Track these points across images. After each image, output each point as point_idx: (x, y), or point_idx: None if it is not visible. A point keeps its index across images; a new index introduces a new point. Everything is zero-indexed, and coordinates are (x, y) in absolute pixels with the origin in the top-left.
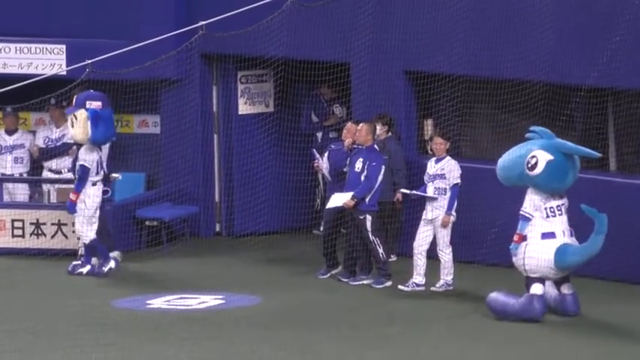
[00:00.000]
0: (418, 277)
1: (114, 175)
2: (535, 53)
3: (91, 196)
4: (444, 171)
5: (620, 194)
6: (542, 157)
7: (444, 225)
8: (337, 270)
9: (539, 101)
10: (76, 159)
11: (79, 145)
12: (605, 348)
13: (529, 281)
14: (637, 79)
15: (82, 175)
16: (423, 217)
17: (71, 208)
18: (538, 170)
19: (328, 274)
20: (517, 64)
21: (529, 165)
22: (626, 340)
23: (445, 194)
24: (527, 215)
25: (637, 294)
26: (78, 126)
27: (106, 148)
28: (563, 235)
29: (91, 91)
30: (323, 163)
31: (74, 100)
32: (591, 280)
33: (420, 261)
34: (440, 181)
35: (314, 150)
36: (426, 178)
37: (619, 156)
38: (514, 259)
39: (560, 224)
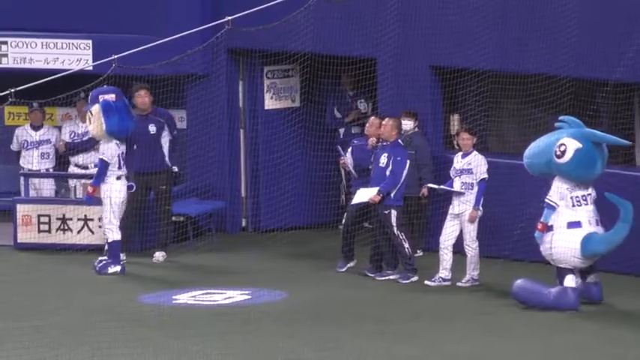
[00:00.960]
0: (444, 272)
1: (174, 168)
2: (561, 48)
3: (116, 191)
4: (470, 166)
5: None
6: (571, 145)
7: (472, 220)
8: (353, 263)
9: (566, 96)
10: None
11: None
12: (632, 340)
13: (562, 272)
14: None
15: (100, 169)
16: (450, 211)
17: (88, 200)
18: (566, 158)
19: (346, 267)
20: (543, 58)
21: (557, 152)
22: None
23: (472, 189)
24: (552, 204)
25: None
26: (93, 121)
27: (167, 143)
28: (590, 225)
29: (106, 86)
30: (348, 159)
31: (89, 98)
32: (616, 275)
33: (446, 256)
34: (467, 175)
35: (339, 147)
36: (452, 172)
37: None
38: (541, 247)
39: (585, 213)
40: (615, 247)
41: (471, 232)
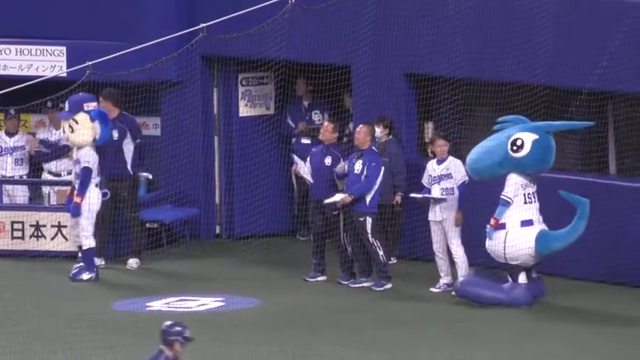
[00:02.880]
0: (447, 278)
1: (143, 174)
2: (535, 56)
3: (94, 198)
4: (449, 171)
5: (620, 197)
6: (528, 138)
7: (457, 222)
8: (324, 278)
9: (540, 104)
10: (74, 161)
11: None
12: (606, 350)
13: (515, 270)
14: (637, 82)
15: (85, 177)
16: (431, 219)
17: (75, 210)
18: (525, 151)
19: (315, 280)
20: (517, 67)
21: (514, 147)
22: (627, 342)
23: (453, 194)
24: (508, 199)
25: (632, 295)
26: (80, 129)
27: (130, 150)
28: (538, 222)
29: (82, 93)
30: (303, 167)
31: (67, 105)
32: (588, 282)
33: (442, 261)
34: (446, 181)
35: (294, 155)
36: (427, 180)
37: (619, 159)
38: (489, 242)
39: (535, 211)
40: (570, 244)
41: (456, 237)
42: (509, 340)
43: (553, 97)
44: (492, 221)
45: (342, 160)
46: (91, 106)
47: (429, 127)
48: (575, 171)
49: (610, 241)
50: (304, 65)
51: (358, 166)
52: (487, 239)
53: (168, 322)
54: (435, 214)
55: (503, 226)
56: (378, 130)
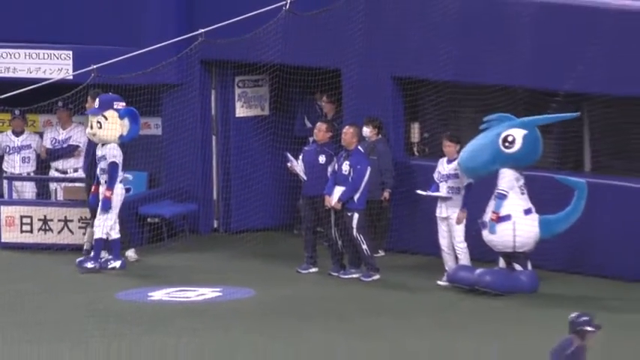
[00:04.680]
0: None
1: (125, 175)
2: (515, 60)
3: (118, 194)
4: (457, 171)
5: (594, 193)
6: (518, 134)
7: (459, 221)
8: (316, 269)
9: (520, 105)
10: (89, 158)
11: (92, 145)
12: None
13: (522, 257)
14: (610, 85)
15: (113, 173)
16: (438, 214)
17: (106, 204)
18: (517, 146)
19: (308, 272)
20: (499, 70)
21: (505, 144)
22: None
23: (459, 193)
24: (504, 193)
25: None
26: (109, 126)
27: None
28: (532, 211)
29: (111, 93)
30: (297, 165)
31: (97, 102)
32: (562, 273)
33: (448, 256)
34: (453, 180)
35: (287, 153)
36: (437, 177)
37: (594, 157)
38: (492, 236)
39: (529, 201)
40: (572, 224)
41: (460, 235)
42: (495, 329)
43: (532, 99)
44: (493, 215)
45: (334, 158)
46: (120, 105)
47: (415, 128)
48: (552, 169)
49: (580, 234)
50: (297, 68)
51: (345, 167)
52: (486, 232)
53: (576, 313)
54: (441, 211)
55: (508, 218)
56: (367, 130)
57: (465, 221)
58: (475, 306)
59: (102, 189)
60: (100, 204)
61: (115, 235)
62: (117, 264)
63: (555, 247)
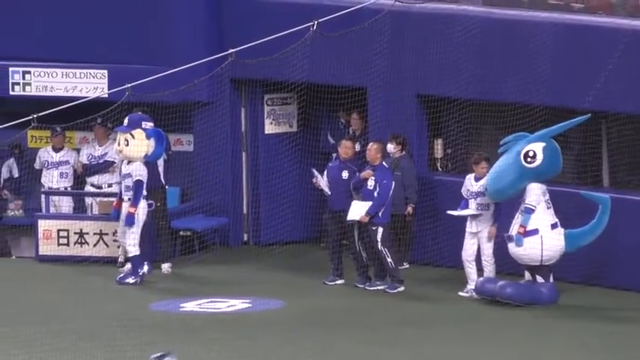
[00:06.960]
0: (473, 284)
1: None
2: (535, 79)
3: (144, 209)
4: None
5: (612, 208)
6: (538, 147)
7: (490, 237)
8: (342, 281)
9: (539, 123)
10: (123, 175)
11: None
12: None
13: (546, 270)
14: (628, 103)
15: (138, 190)
16: (468, 230)
17: (129, 220)
18: (539, 159)
19: (334, 283)
20: (519, 89)
21: (527, 159)
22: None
23: (488, 209)
24: (532, 207)
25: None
26: (136, 143)
27: (161, 164)
28: (558, 225)
29: (140, 113)
30: (322, 180)
31: (127, 120)
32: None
33: (470, 269)
34: (482, 198)
35: (313, 169)
36: (466, 193)
37: (612, 173)
38: (518, 249)
39: (554, 215)
40: (596, 237)
41: (488, 249)
42: (515, 339)
43: (552, 117)
44: (520, 229)
45: (357, 173)
46: (148, 125)
47: (439, 144)
48: (572, 184)
49: (598, 247)
50: (324, 87)
51: (370, 182)
52: (512, 245)
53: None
54: (471, 226)
55: (535, 232)
56: (392, 147)
57: (494, 237)
58: (496, 316)
59: (125, 205)
60: (124, 219)
61: (135, 251)
62: (131, 280)
63: (574, 260)
